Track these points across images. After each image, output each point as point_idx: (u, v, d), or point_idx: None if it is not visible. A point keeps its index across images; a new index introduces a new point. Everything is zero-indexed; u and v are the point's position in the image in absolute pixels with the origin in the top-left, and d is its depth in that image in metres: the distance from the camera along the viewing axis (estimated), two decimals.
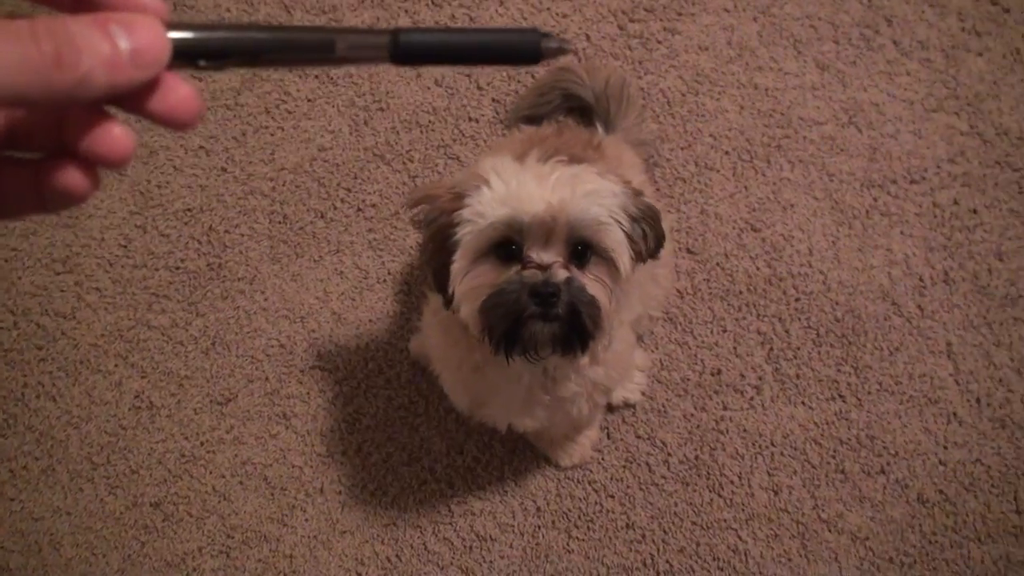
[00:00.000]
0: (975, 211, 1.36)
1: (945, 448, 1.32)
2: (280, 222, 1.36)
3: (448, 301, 0.88)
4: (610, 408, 1.31)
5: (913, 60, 1.38)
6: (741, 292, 1.34)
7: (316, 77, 1.38)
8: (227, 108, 1.40)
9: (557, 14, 1.37)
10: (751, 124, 1.36)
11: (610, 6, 1.37)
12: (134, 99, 0.37)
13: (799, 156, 1.36)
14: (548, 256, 0.83)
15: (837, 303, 1.34)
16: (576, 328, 0.84)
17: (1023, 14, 1.40)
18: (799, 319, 1.34)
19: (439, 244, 0.86)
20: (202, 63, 0.38)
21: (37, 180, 0.38)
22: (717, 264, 1.34)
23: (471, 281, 0.84)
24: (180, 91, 0.38)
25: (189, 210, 1.37)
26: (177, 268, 1.37)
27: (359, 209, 1.36)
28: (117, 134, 0.37)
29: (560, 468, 1.30)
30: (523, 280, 0.81)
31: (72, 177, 0.38)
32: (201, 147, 1.39)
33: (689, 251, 1.35)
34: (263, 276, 1.36)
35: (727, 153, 1.35)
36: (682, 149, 1.35)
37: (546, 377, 0.96)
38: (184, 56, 0.38)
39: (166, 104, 0.37)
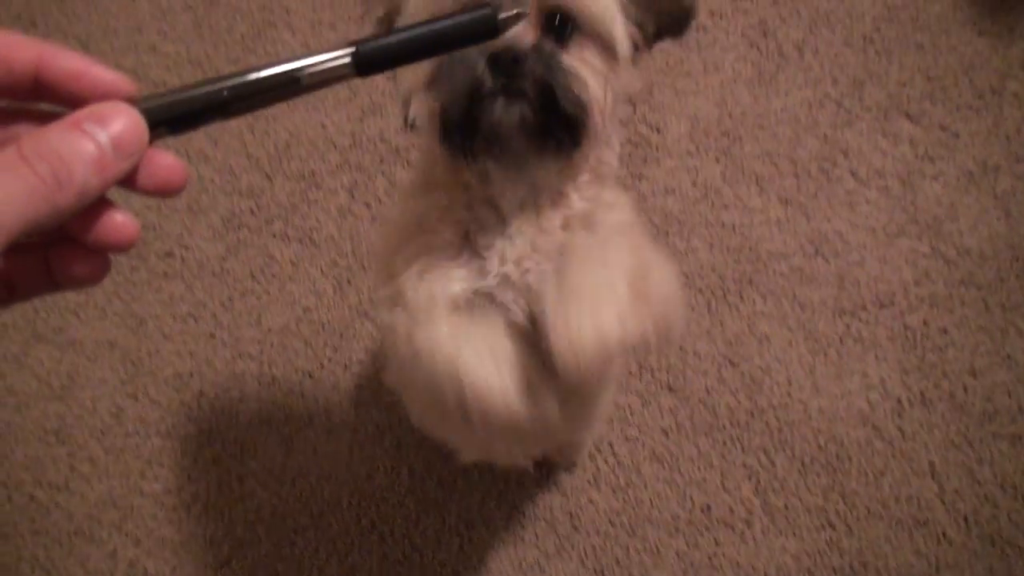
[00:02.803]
0: (945, 331, 1.40)
1: (937, 570, 1.33)
2: (269, 384, 1.39)
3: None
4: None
5: (872, 189, 1.44)
6: (724, 427, 1.37)
7: (299, 241, 1.42)
8: (213, 275, 1.43)
9: None
10: (722, 261, 1.41)
11: None
12: (124, 181, 0.37)
13: (770, 289, 1.40)
14: (517, 29, 0.61)
15: (819, 431, 1.37)
16: (553, 112, 0.63)
17: (971, 138, 1.46)
18: (783, 450, 1.36)
19: None
20: (178, 129, 0.38)
21: (47, 267, 0.38)
22: (699, 400, 1.37)
23: (425, 66, 0.64)
24: (163, 162, 0.38)
25: (179, 376, 1.40)
26: (169, 434, 1.38)
27: (346, 367, 1.39)
28: (120, 222, 0.37)
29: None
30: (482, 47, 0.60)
31: (84, 266, 0.38)
32: (189, 314, 1.42)
33: (670, 389, 1.38)
34: (254, 440, 1.38)
35: (700, 291, 1.40)
36: None
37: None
38: (159, 126, 0.37)
39: (156, 179, 0.38)
